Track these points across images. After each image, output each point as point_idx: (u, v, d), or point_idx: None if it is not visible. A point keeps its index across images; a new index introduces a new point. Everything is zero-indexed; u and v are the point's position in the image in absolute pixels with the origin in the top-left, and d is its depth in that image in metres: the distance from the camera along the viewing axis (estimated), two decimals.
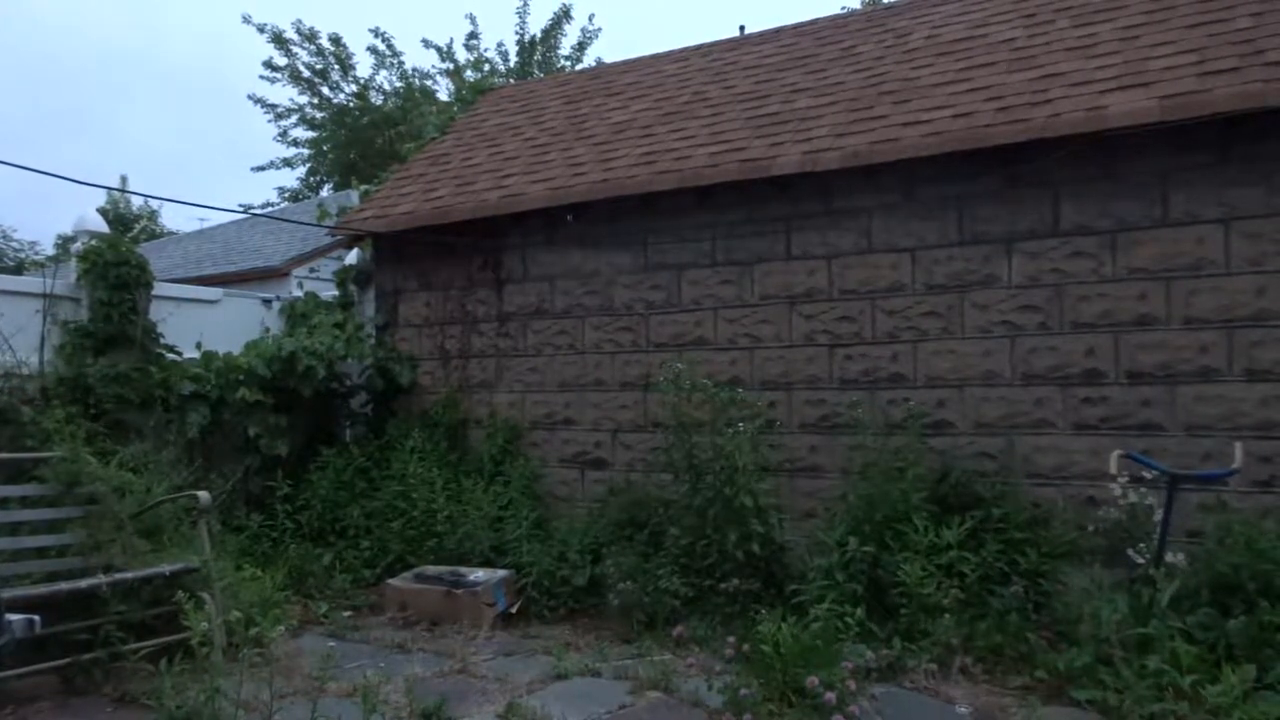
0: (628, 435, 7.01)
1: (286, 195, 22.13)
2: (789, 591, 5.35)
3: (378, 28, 20.13)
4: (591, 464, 7.17)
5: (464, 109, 10.48)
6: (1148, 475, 4.97)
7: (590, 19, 20.38)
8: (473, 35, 19.47)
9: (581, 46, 20.11)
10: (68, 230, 12.79)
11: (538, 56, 19.85)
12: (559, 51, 20.06)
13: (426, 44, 19.50)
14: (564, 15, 19.76)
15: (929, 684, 4.61)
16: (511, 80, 18.13)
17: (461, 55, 19.47)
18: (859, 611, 4.87)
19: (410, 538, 6.85)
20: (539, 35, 19.85)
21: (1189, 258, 5.24)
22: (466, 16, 20.08)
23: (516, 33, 19.81)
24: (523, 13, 19.72)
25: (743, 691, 4.05)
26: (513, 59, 19.68)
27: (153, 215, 24.01)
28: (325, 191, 20.48)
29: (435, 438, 7.45)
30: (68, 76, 47.34)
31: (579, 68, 19.62)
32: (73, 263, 6.91)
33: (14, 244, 23.14)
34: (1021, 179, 5.67)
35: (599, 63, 19.83)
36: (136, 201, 23.90)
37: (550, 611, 6.15)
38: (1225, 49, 5.35)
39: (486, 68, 19.26)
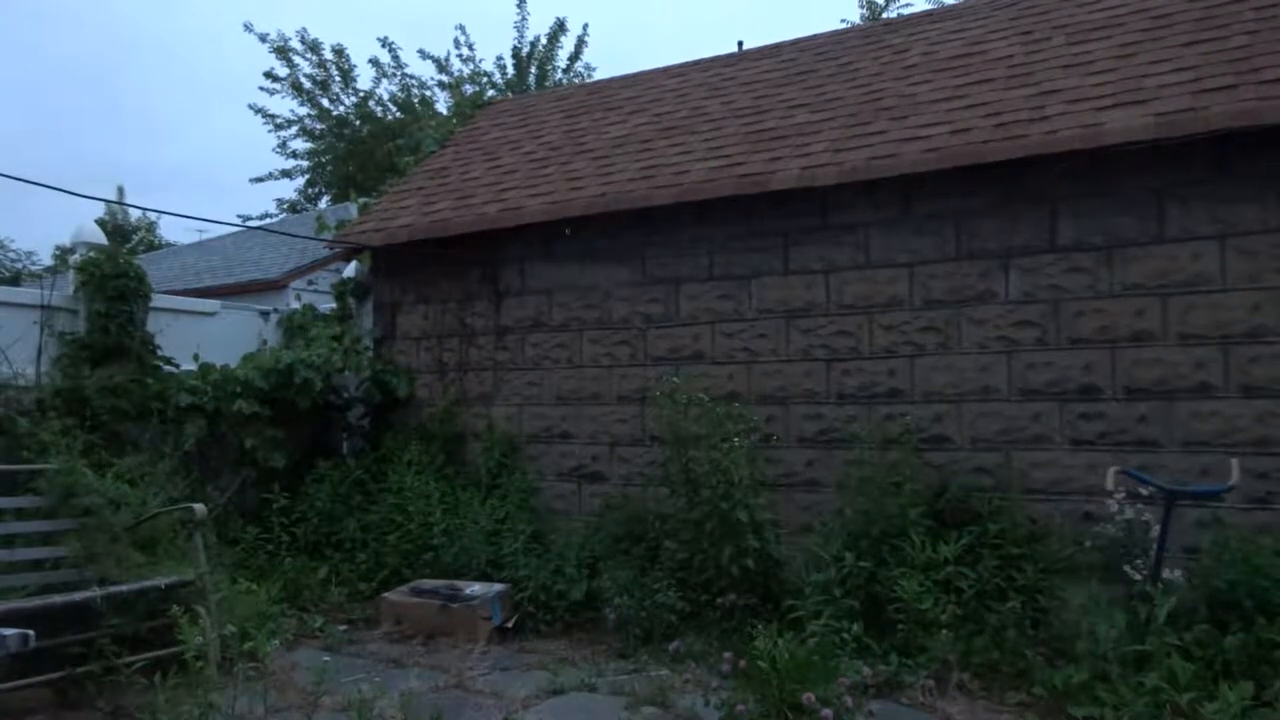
0: (625, 449, 7.01)
1: (285, 207, 22.16)
2: (786, 607, 5.33)
3: (386, 37, 20.18)
4: (588, 478, 7.16)
5: (462, 122, 10.51)
6: (1144, 491, 4.97)
7: (584, 28, 20.41)
8: (468, 46, 19.56)
9: (574, 57, 20.20)
10: (65, 241, 12.82)
11: (533, 69, 19.92)
12: (554, 64, 20.13)
13: (424, 55, 19.57)
14: (559, 29, 19.86)
15: (926, 700, 4.59)
16: (509, 94, 18.19)
17: (457, 66, 19.55)
18: (856, 627, 4.86)
19: (406, 551, 6.82)
20: (534, 49, 19.91)
21: (1185, 274, 5.25)
22: (457, 27, 20.12)
23: (514, 46, 19.89)
24: (521, 27, 19.81)
25: (739, 707, 4.03)
26: (509, 71, 19.75)
27: (151, 227, 24.07)
28: (324, 203, 20.50)
29: (432, 450, 7.44)
30: (66, 86, 47.49)
31: (572, 79, 19.73)
32: (70, 274, 6.91)
33: (11, 254, 23.13)
34: (1019, 195, 5.69)
35: (589, 70, 19.99)
36: (135, 213, 23.98)
37: (547, 625, 6.13)
38: (1221, 66, 5.38)
39: (485, 80, 19.33)
